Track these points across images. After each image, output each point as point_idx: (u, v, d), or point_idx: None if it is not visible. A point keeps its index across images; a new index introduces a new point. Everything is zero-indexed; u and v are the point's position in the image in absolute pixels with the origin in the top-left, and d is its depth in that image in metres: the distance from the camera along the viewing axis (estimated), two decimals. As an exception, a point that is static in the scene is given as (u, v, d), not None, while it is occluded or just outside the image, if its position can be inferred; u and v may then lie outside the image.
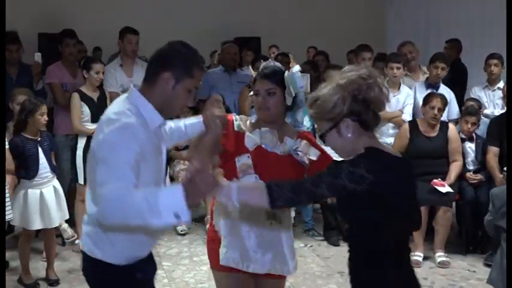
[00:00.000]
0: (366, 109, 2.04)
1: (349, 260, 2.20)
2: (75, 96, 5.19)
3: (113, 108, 2.30)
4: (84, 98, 5.21)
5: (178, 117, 3.02)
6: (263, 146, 2.69)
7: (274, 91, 2.71)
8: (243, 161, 2.64)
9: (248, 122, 2.82)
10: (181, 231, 5.69)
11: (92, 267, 2.38)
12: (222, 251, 2.69)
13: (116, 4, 9.87)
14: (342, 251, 5.25)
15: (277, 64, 2.88)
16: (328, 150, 2.51)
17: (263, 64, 2.86)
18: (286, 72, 2.75)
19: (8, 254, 4.71)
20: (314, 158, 2.73)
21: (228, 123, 2.72)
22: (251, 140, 2.70)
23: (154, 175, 2.32)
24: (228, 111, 5.40)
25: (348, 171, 1.97)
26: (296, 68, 7.07)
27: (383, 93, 2.07)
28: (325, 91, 2.06)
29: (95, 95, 5.28)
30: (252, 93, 2.83)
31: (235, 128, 2.74)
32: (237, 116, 2.86)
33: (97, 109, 5.20)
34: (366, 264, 2.11)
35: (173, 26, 9.88)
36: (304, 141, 2.78)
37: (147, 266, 2.49)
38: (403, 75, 6.00)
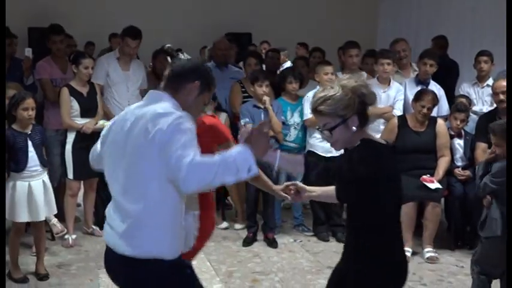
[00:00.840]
0: (365, 109, 2.46)
1: (348, 238, 2.57)
2: (65, 91, 5.16)
3: (156, 108, 2.38)
4: (74, 92, 5.18)
5: None
6: None
7: None
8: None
9: None
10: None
11: (146, 268, 2.35)
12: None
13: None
14: (332, 246, 5.31)
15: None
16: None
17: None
18: None
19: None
20: None
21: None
22: None
23: None
24: (220, 106, 5.39)
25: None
26: (287, 64, 7.05)
27: (375, 96, 2.52)
28: (335, 92, 2.40)
29: (84, 90, 5.26)
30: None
31: None
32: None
33: (86, 104, 5.21)
34: (366, 238, 2.43)
35: (165, 22, 9.91)
36: None
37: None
38: (393, 72, 5.99)
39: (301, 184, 2.86)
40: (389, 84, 5.63)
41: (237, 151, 2.25)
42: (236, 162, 2.20)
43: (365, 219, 2.45)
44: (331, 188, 2.74)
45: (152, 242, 2.31)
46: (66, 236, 5.12)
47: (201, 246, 3.30)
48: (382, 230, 2.44)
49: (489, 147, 4.96)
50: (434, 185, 5.03)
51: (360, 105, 2.42)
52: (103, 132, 2.60)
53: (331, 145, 2.52)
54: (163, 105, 2.39)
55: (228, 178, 2.21)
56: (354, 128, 2.40)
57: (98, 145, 2.67)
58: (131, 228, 2.32)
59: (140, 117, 2.35)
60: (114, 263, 2.43)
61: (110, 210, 2.47)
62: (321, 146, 5.32)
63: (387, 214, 2.46)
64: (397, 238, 2.52)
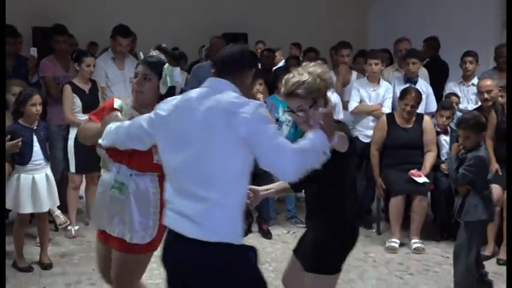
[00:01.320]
0: (326, 92, 2.74)
1: (314, 206, 2.94)
2: (67, 88, 5.24)
3: (227, 96, 2.34)
4: (76, 89, 5.26)
5: None
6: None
7: (150, 77, 2.86)
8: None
9: (128, 102, 2.97)
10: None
11: (217, 251, 2.28)
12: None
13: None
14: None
15: (162, 57, 2.93)
16: None
17: (150, 53, 2.96)
18: (167, 65, 2.88)
19: (2, 239, 4.75)
20: None
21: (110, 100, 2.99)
22: (117, 118, 2.85)
23: None
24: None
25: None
26: (280, 63, 7.14)
27: (333, 80, 2.94)
28: (306, 78, 2.64)
29: (86, 87, 5.34)
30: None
31: (115, 105, 2.94)
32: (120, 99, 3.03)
33: (88, 100, 5.27)
34: (331, 203, 2.80)
35: (164, 22, 9.93)
36: None
37: None
38: (393, 70, 6.09)
39: (252, 186, 2.83)
40: (378, 83, 5.73)
41: (316, 135, 2.31)
42: (319, 145, 2.28)
43: (328, 190, 2.76)
44: (282, 182, 2.96)
45: (227, 226, 2.28)
46: (69, 227, 5.20)
47: None
48: (342, 198, 2.82)
49: None
50: (422, 179, 5.10)
51: (324, 89, 2.69)
52: (152, 119, 2.48)
53: (302, 126, 2.70)
54: (231, 94, 2.36)
55: (316, 162, 2.28)
56: (320, 109, 2.47)
57: (116, 126, 2.70)
58: (207, 213, 2.27)
59: (213, 107, 2.29)
60: (183, 248, 2.34)
61: (174, 197, 2.39)
62: None
63: (346, 184, 2.82)
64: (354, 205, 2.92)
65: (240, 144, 2.23)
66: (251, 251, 2.38)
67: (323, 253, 2.76)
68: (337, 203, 2.81)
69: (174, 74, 2.87)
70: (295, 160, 2.21)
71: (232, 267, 2.31)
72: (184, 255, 2.35)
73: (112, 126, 2.72)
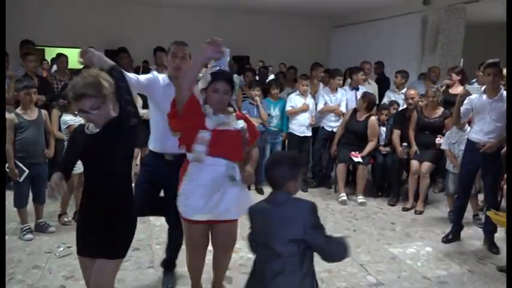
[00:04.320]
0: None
1: None
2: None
3: None
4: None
5: None
6: (218, 128, 2.35)
7: (228, 91, 2.38)
8: (204, 135, 2.31)
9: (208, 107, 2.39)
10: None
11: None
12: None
13: (158, 28, 9.84)
14: (306, 196, 5.43)
15: (227, 70, 2.48)
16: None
17: (217, 69, 2.40)
18: (236, 75, 2.78)
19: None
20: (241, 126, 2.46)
21: (195, 99, 2.33)
22: (211, 122, 2.34)
23: None
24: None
25: None
26: (271, 76, 7.11)
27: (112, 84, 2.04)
28: (92, 80, 1.96)
29: None
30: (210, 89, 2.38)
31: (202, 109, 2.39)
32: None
33: (145, 99, 5.28)
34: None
35: (194, 45, 9.89)
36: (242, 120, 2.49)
37: None
38: (364, 82, 6.17)
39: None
40: (336, 91, 5.74)
41: None
42: None
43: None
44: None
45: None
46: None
47: None
48: None
49: (402, 134, 5.02)
50: (358, 159, 5.07)
51: (111, 88, 1.97)
52: None
53: (94, 122, 1.97)
54: None
55: None
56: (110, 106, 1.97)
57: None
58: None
59: None
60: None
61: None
62: (298, 129, 5.46)
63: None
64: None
65: None
66: None
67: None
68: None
69: (238, 82, 2.75)
70: None
71: None
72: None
73: None
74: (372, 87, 6.35)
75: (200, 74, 2.49)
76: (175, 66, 2.63)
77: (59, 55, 6.11)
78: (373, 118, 5.21)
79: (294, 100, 5.51)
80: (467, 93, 3.78)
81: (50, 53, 8.47)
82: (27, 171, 3.60)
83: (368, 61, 6.94)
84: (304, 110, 5.47)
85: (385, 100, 6.06)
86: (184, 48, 2.64)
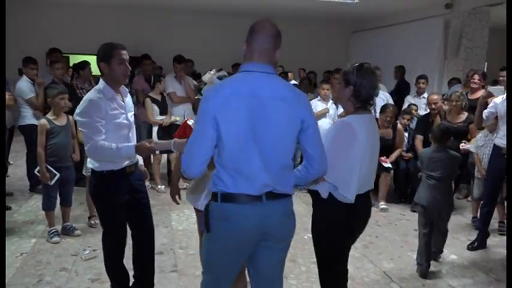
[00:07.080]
0: None
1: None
2: (148, 100, 5.33)
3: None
4: (153, 100, 5.34)
5: None
6: None
7: None
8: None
9: None
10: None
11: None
12: None
13: (175, 38, 10.01)
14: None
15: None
16: None
17: (207, 73, 2.42)
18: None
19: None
20: None
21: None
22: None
23: None
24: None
25: None
26: (293, 82, 7.14)
27: None
28: None
29: (159, 97, 5.41)
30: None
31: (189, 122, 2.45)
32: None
33: (161, 107, 5.37)
34: None
35: (211, 54, 10.04)
36: None
37: None
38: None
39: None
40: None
41: None
42: None
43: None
44: None
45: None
46: (159, 187, 5.33)
47: None
48: None
49: (425, 140, 4.95)
50: (387, 165, 5.06)
51: None
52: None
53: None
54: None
55: None
56: None
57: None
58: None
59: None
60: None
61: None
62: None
63: None
64: None
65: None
66: None
67: None
68: None
69: None
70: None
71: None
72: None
73: None
74: (381, 93, 6.22)
75: (206, 78, 2.46)
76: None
77: (83, 63, 6.25)
78: (400, 126, 5.18)
79: (315, 106, 5.54)
80: (489, 95, 3.73)
81: (74, 60, 8.72)
82: (58, 174, 3.72)
83: (378, 67, 6.79)
84: (324, 113, 5.47)
85: (405, 106, 6.02)
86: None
